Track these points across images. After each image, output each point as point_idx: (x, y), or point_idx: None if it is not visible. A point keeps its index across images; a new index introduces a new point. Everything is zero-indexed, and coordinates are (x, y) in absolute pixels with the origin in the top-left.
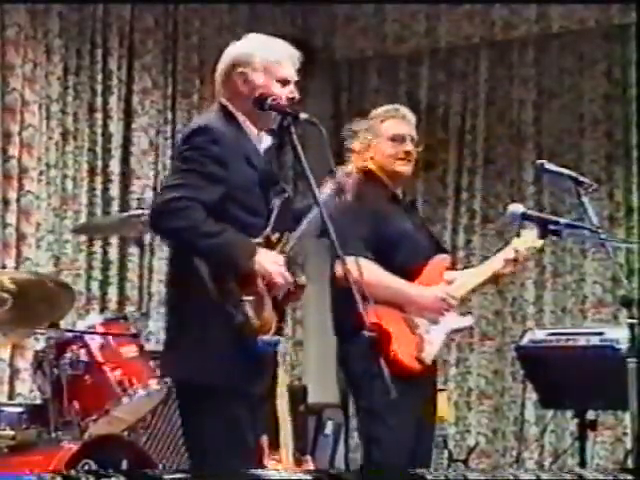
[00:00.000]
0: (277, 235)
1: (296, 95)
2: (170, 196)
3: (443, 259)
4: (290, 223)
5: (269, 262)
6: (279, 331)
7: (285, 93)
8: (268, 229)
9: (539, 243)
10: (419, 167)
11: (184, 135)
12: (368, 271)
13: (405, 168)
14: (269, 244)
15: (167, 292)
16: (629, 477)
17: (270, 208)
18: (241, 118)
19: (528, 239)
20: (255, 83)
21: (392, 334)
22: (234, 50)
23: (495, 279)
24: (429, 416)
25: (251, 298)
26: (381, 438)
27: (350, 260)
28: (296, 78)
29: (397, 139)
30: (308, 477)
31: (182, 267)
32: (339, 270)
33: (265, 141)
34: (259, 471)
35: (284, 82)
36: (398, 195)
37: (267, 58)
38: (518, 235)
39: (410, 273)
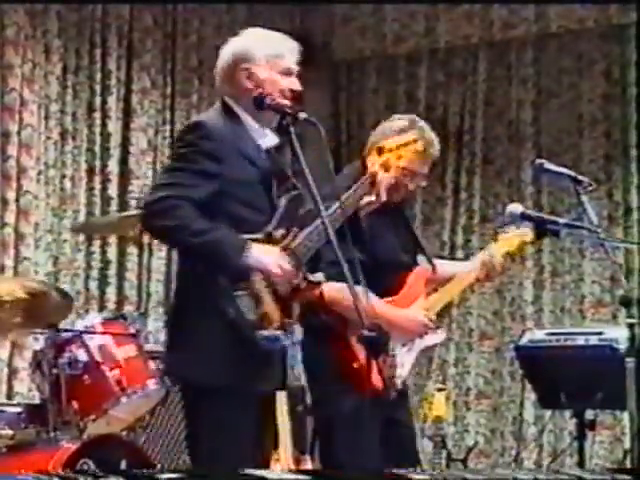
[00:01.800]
0: (281, 232)
1: (298, 87)
2: (158, 195)
3: (424, 271)
4: (301, 221)
5: (263, 255)
6: (283, 327)
7: (288, 85)
8: (271, 225)
9: (529, 237)
10: None
11: (179, 132)
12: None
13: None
14: (271, 240)
15: (173, 292)
16: (626, 477)
17: (275, 205)
18: (243, 115)
19: (514, 237)
20: (259, 77)
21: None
22: (234, 46)
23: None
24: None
25: (244, 292)
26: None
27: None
28: (297, 69)
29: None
30: (307, 477)
31: (181, 267)
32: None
33: (271, 139)
34: (257, 471)
35: (287, 74)
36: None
37: (268, 52)
38: (495, 239)
39: (393, 288)
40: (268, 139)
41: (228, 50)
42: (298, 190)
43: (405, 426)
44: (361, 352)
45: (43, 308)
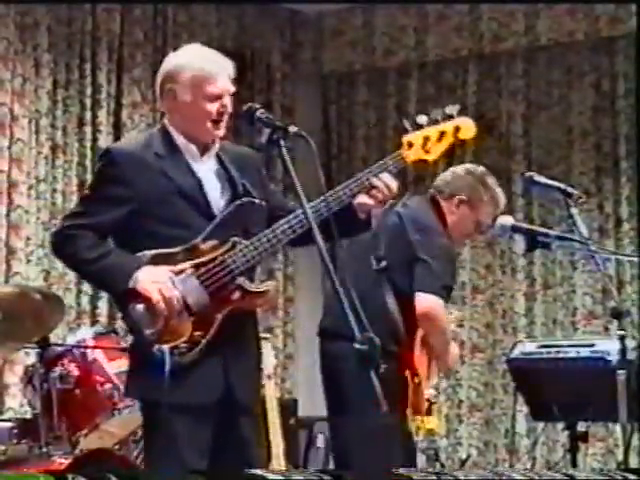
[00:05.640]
0: (213, 242)
1: (228, 109)
2: (59, 226)
3: None
4: (254, 228)
5: (147, 281)
6: (193, 341)
7: (215, 109)
8: (200, 237)
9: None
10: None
11: None
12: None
13: None
14: (196, 252)
15: None
16: (631, 477)
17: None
18: (175, 135)
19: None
20: (182, 99)
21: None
22: (166, 63)
23: None
24: None
25: (140, 306)
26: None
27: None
28: (231, 90)
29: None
30: (302, 478)
31: None
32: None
33: (208, 164)
34: (257, 472)
35: (213, 98)
36: None
37: (194, 74)
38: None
39: None
40: (208, 163)
41: (162, 66)
42: (250, 197)
43: None
44: None
45: (27, 312)
